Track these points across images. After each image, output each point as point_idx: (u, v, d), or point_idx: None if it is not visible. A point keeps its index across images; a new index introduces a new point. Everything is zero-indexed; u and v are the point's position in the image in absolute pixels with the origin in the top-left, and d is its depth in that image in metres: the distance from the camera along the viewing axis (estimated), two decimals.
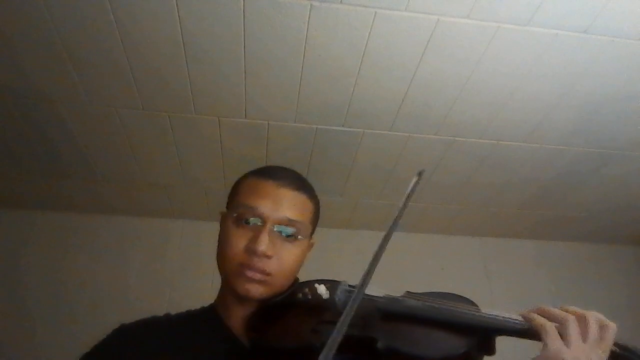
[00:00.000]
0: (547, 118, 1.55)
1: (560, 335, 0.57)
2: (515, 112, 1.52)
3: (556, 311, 0.61)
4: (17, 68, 1.35)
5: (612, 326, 0.58)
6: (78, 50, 1.29)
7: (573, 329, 0.57)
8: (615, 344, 0.59)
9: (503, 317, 0.62)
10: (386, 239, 0.56)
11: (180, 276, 2.05)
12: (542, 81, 1.40)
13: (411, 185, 0.63)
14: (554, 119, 1.55)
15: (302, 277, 0.80)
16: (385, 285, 0.68)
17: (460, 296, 0.70)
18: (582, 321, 0.58)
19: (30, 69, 1.36)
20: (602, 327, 0.58)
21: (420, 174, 0.64)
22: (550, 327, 0.58)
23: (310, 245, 0.81)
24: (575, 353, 0.55)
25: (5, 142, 1.68)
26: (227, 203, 0.80)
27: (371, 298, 0.68)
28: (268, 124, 1.58)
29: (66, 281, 1.98)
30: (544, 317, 0.60)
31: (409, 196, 0.61)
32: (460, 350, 0.60)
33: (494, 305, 0.64)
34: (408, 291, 0.71)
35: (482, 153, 1.72)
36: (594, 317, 0.59)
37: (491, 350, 0.63)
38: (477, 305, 0.68)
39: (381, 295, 0.69)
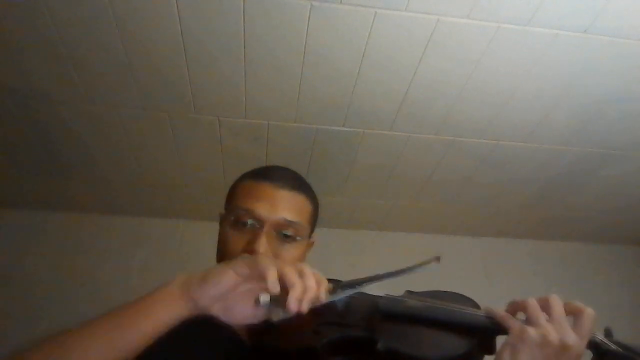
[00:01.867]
0: (547, 118, 1.55)
1: (527, 321, 0.58)
2: (515, 112, 1.52)
3: (517, 302, 0.61)
4: (18, 68, 1.35)
5: (588, 312, 0.58)
6: (79, 50, 1.29)
7: (534, 310, 0.58)
8: (616, 342, 0.59)
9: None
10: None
11: None
12: (542, 81, 1.40)
13: (425, 262, 0.62)
14: (554, 119, 1.55)
15: None
16: (385, 285, 0.68)
17: (461, 295, 0.70)
18: (544, 304, 0.59)
19: (31, 69, 1.36)
20: (575, 312, 0.58)
21: (437, 260, 0.63)
22: (505, 314, 0.60)
23: (310, 245, 0.81)
24: (541, 331, 0.55)
25: (6, 143, 1.68)
26: (225, 205, 0.81)
27: (372, 298, 0.68)
28: (268, 124, 1.58)
29: (67, 281, 1.98)
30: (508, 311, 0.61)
31: (414, 267, 0.60)
32: (460, 351, 0.60)
33: (494, 305, 0.64)
34: (408, 290, 0.71)
35: (482, 153, 1.72)
36: (556, 299, 0.59)
37: (492, 350, 0.63)
38: (477, 305, 0.68)
39: (382, 295, 0.69)
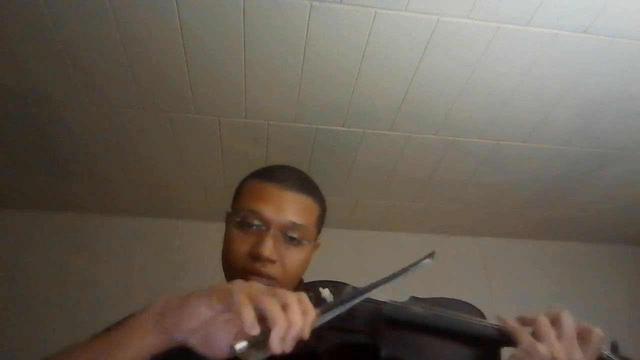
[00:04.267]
0: (547, 118, 1.54)
1: (534, 336, 0.57)
2: (515, 112, 1.52)
3: (528, 315, 0.60)
4: (18, 68, 1.35)
5: (597, 332, 0.58)
6: (79, 50, 1.29)
7: (544, 327, 0.57)
8: (622, 358, 0.58)
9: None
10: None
11: (181, 276, 2.05)
12: (542, 81, 1.40)
13: (420, 261, 0.60)
14: (554, 119, 1.54)
15: (303, 277, 0.80)
16: (389, 289, 0.68)
17: (465, 303, 0.69)
18: (555, 321, 0.58)
19: (31, 69, 1.36)
20: (583, 330, 0.58)
21: (432, 256, 0.60)
22: (519, 327, 0.59)
23: (316, 246, 0.80)
24: (550, 348, 0.55)
25: (6, 142, 1.68)
26: (232, 204, 0.80)
27: (376, 304, 0.66)
28: (268, 124, 1.58)
29: (67, 281, 1.98)
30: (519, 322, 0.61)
31: (409, 267, 0.58)
32: None
33: (494, 305, 0.63)
34: (413, 296, 0.70)
35: (482, 153, 1.72)
36: (568, 317, 0.59)
37: None
38: (482, 313, 0.66)
39: (386, 301, 0.67)
